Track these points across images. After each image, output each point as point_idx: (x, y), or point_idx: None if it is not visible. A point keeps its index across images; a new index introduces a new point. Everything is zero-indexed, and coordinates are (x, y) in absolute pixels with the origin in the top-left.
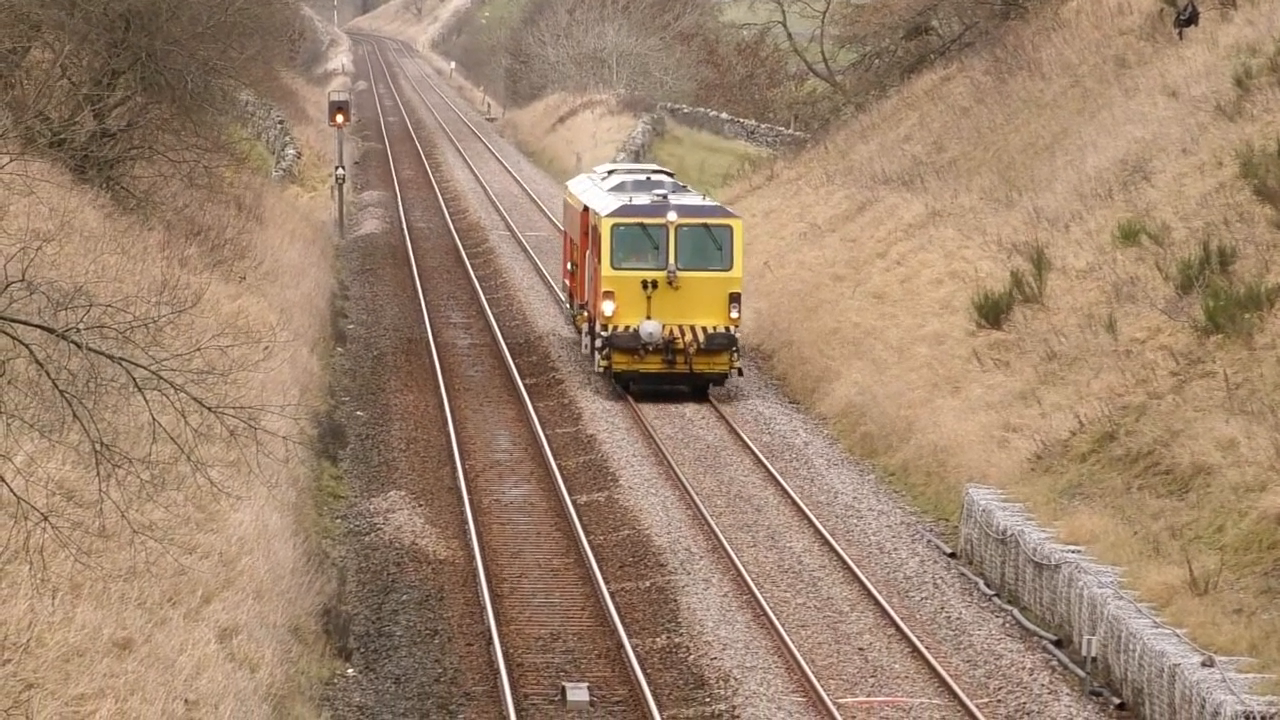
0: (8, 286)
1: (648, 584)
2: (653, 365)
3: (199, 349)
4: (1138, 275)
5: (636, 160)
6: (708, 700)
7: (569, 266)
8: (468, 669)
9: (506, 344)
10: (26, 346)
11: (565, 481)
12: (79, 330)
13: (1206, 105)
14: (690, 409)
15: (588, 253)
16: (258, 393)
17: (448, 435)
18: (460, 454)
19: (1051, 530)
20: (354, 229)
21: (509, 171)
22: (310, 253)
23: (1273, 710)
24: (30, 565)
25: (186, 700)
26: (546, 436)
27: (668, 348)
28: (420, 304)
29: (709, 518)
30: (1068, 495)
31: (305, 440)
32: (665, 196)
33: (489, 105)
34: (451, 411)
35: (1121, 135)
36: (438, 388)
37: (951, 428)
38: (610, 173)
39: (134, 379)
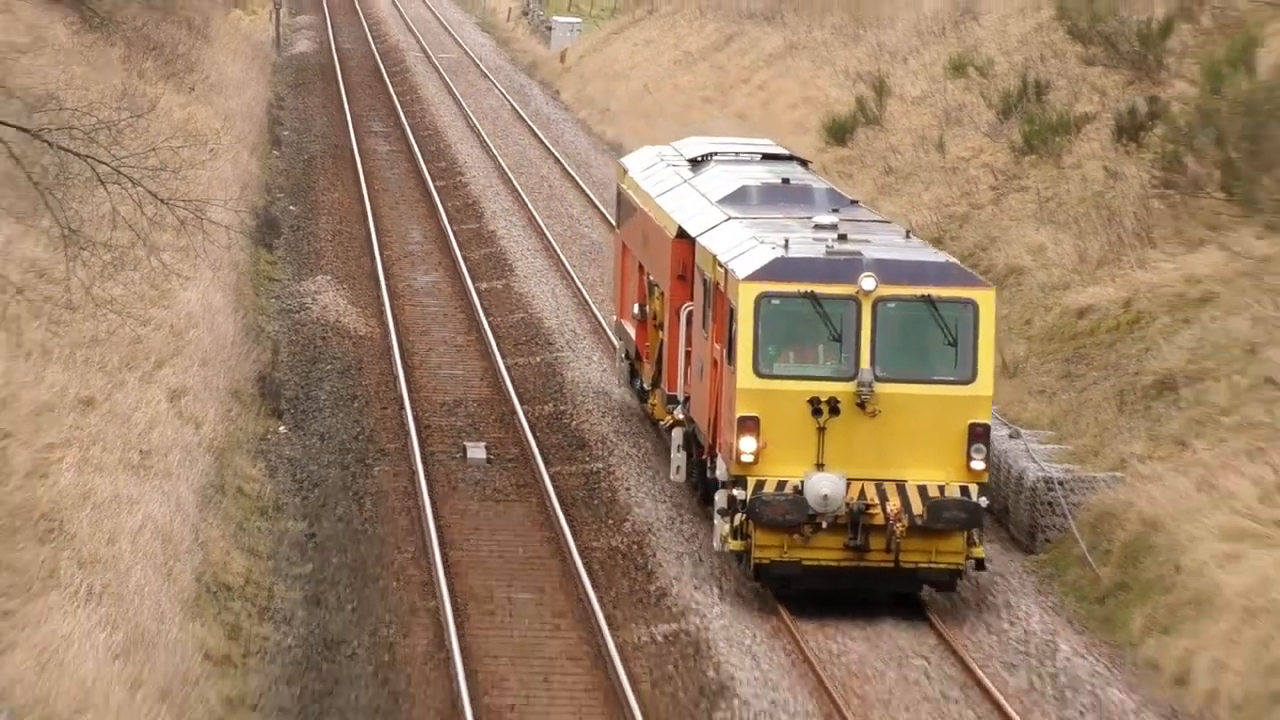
0: None
1: (538, 359)
2: (827, 553)
3: (154, 149)
4: (965, 102)
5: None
6: (587, 459)
7: (635, 311)
8: (382, 429)
9: (420, 151)
10: (4, 143)
11: (469, 270)
12: (50, 130)
13: None
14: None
15: (685, 311)
16: (204, 188)
17: (368, 228)
18: (379, 245)
19: None
20: (288, 49)
21: (424, 1)
22: (251, 69)
23: (1068, 475)
24: (6, 333)
25: (141, 450)
26: (453, 232)
27: (856, 523)
28: (346, 115)
29: (592, 305)
30: None
31: (245, 230)
32: (840, 234)
33: None
34: (372, 208)
35: None
36: (359, 187)
37: None
38: (707, 157)
39: (97, 174)
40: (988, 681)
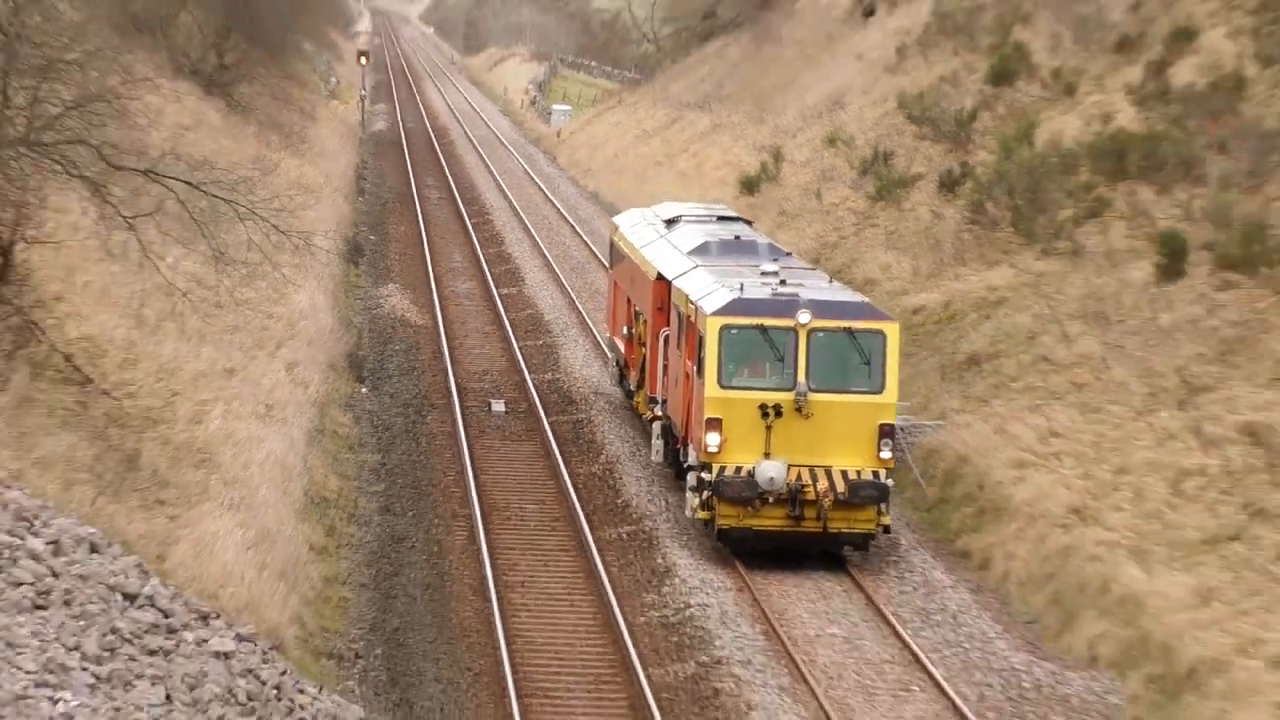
0: (164, 156)
1: (543, 343)
2: (772, 521)
3: (277, 196)
4: (835, 165)
5: (540, 90)
6: (574, 411)
7: (624, 332)
8: (433, 390)
9: (460, 198)
10: (174, 192)
11: (494, 281)
12: (206, 183)
13: (879, 65)
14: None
15: (663, 334)
16: (311, 223)
17: (423, 251)
18: (431, 262)
19: None
20: (370, 127)
21: (464, 96)
22: (344, 142)
23: (907, 423)
24: (175, 323)
25: (266, 404)
26: (483, 254)
27: (794, 499)
28: (409, 173)
29: (579, 305)
30: None
31: (339, 252)
32: (782, 280)
33: (454, 55)
34: (426, 237)
35: (828, 82)
36: (418, 223)
37: None
38: (677, 218)
39: (238, 213)
40: (850, 567)
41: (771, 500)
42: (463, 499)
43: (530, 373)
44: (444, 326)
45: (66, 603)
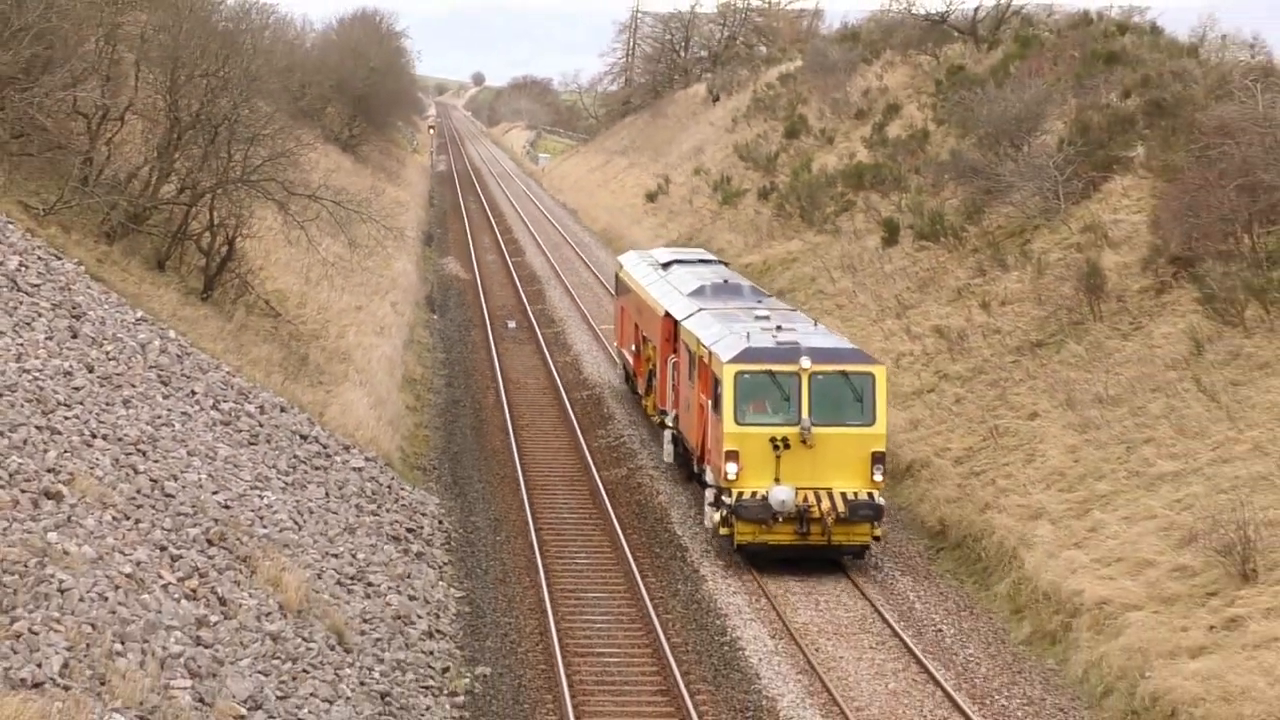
0: (320, 186)
1: (536, 288)
2: (784, 536)
3: (384, 208)
4: (699, 184)
5: (532, 146)
6: (557, 327)
7: (632, 348)
8: (474, 316)
9: (489, 210)
10: (326, 207)
11: (508, 252)
12: (344, 201)
13: (723, 128)
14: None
15: (671, 361)
16: (404, 222)
17: (466, 237)
18: (473, 244)
19: None
20: (435, 169)
21: (489, 150)
22: (421, 177)
23: None
24: (328, 281)
25: (380, 326)
26: (503, 239)
27: (801, 518)
28: (458, 194)
29: (557, 266)
30: None
31: (420, 239)
32: (778, 325)
33: (482, 127)
34: (469, 230)
35: (694, 137)
36: (464, 222)
37: (630, 231)
38: (671, 263)
39: (361, 217)
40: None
41: (782, 519)
42: (491, 377)
43: (529, 305)
44: (480, 280)
45: (268, 440)
